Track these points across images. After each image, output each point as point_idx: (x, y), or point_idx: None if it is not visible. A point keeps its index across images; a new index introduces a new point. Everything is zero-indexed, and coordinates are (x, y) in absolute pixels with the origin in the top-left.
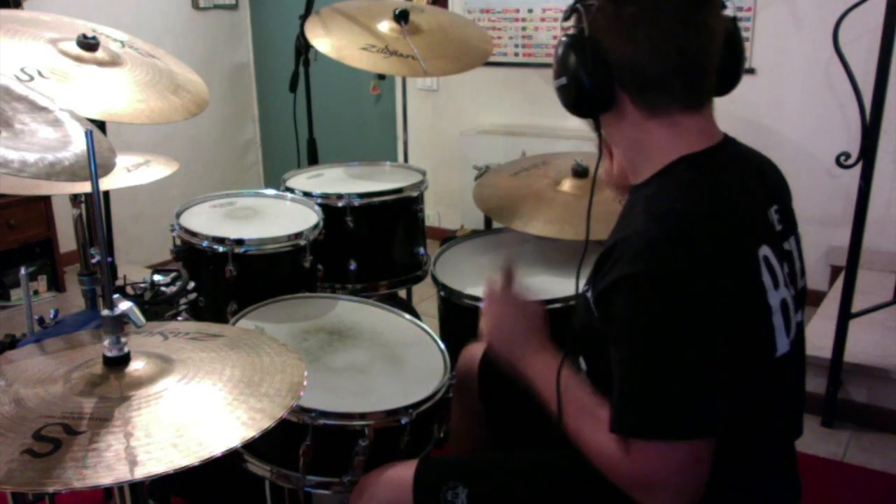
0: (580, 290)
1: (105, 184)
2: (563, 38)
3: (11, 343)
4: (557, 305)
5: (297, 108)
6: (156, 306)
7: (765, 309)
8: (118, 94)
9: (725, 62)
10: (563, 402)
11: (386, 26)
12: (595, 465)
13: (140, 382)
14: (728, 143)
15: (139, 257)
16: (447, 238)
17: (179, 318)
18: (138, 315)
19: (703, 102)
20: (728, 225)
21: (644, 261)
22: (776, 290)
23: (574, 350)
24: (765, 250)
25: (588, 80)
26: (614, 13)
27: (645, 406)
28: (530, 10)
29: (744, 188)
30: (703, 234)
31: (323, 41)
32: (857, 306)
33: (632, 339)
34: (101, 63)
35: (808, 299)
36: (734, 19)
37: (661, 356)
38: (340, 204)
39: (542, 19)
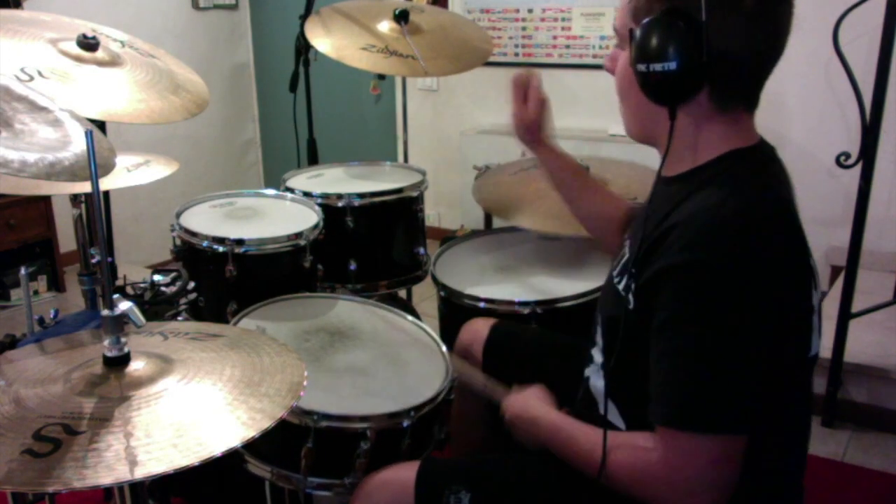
0: (610, 278)
1: (105, 184)
2: (668, 18)
3: (11, 343)
4: (557, 305)
5: (297, 108)
6: (156, 306)
7: (809, 309)
8: (118, 94)
9: None
10: (589, 448)
11: (386, 26)
12: (632, 488)
13: (140, 382)
14: (765, 142)
15: (139, 257)
16: (447, 238)
17: (179, 318)
18: (138, 315)
19: (758, 103)
20: (788, 222)
21: (700, 250)
22: (815, 291)
23: (591, 342)
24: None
25: (689, 68)
26: (734, 4)
27: (686, 397)
28: (530, 10)
29: (788, 184)
30: (764, 229)
31: (323, 41)
32: (857, 306)
33: (680, 329)
34: (101, 63)
35: None
36: None
37: (708, 348)
38: (340, 204)
39: (542, 19)
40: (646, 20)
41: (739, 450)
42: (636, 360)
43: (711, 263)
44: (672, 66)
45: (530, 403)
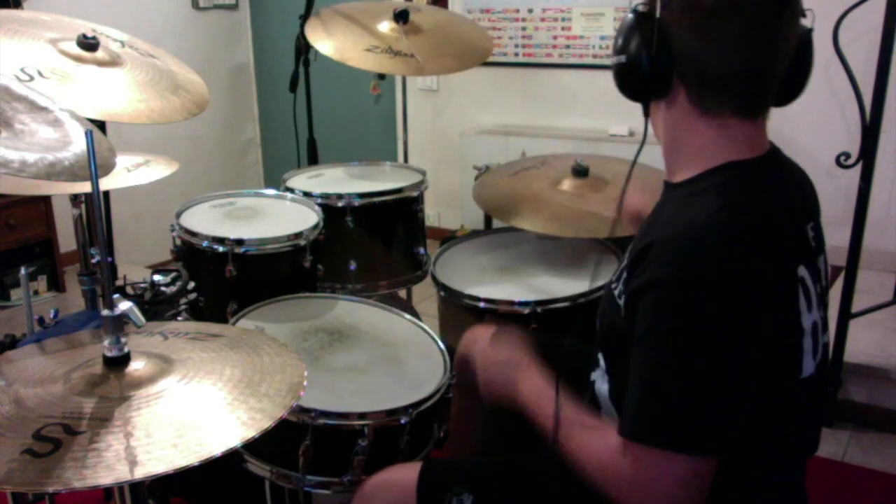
0: (609, 284)
1: (105, 184)
2: (631, 15)
3: (11, 343)
4: (557, 305)
5: (297, 108)
6: (156, 306)
7: (797, 331)
8: (118, 94)
9: (791, 73)
10: (561, 418)
11: (386, 26)
12: (593, 479)
13: (140, 382)
14: (774, 154)
15: (139, 257)
16: (447, 238)
17: (179, 318)
18: (138, 315)
19: (759, 111)
20: (770, 241)
21: (677, 267)
22: (809, 313)
23: (597, 346)
24: (802, 270)
25: (648, 64)
26: (691, 1)
27: (654, 413)
28: (530, 10)
29: (788, 204)
30: (743, 248)
31: (325, 43)
32: (857, 306)
33: (652, 344)
34: (101, 63)
35: None
36: (810, 30)
37: (678, 366)
38: (340, 204)
39: (542, 19)
40: (624, 23)
41: (710, 470)
42: None
43: (684, 281)
44: (622, 59)
45: (526, 360)
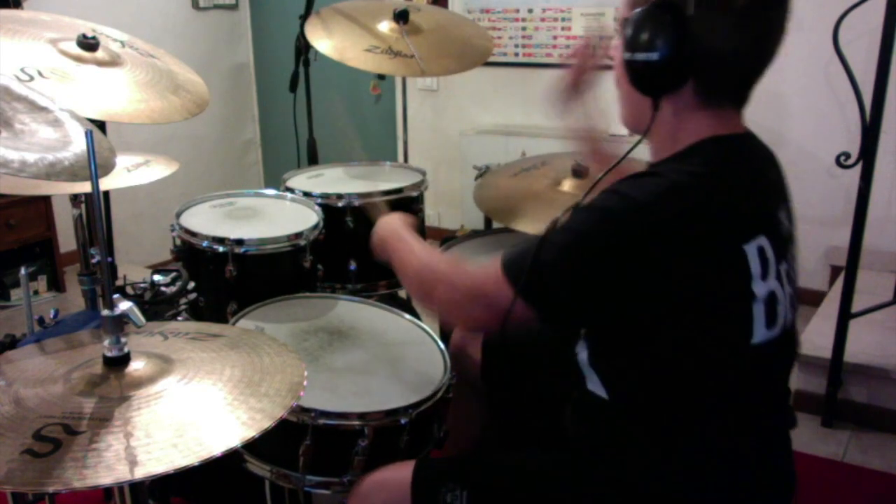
0: None
1: (105, 184)
2: (657, 10)
3: (11, 343)
4: None
5: (297, 108)
6: (156, 306)
7: (746, 296)
8: (118, 94)
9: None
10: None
11: (386, 26)
12: (428, 280)
13: (140, 382)
14: (751, 135)
15: (139, 257)
16: (447, 238)
17: (179, 318)
18: (138, 315)
19: (748, 99)
20: (719, 205)
21: (606, 196)
22: (764, 281)
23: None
24: (762, 241)
25: (671, 60)
26: (726, 0)
27: (520, 257)
28: (530, 10)
29: (756, 177)
30: (681, 205)
31: (324, 42)
32: (857, 306)
33: (558, 229)
34: (100, 63)
35: (807, 299)
36: None
37: (559, 238)
38: (340, 204)
39: (542, 19)
40: (636, 10)
41: (518, 311)
42: (613, 329)
43: (611, 206)
44: (654, 56)
45: (397, 223)
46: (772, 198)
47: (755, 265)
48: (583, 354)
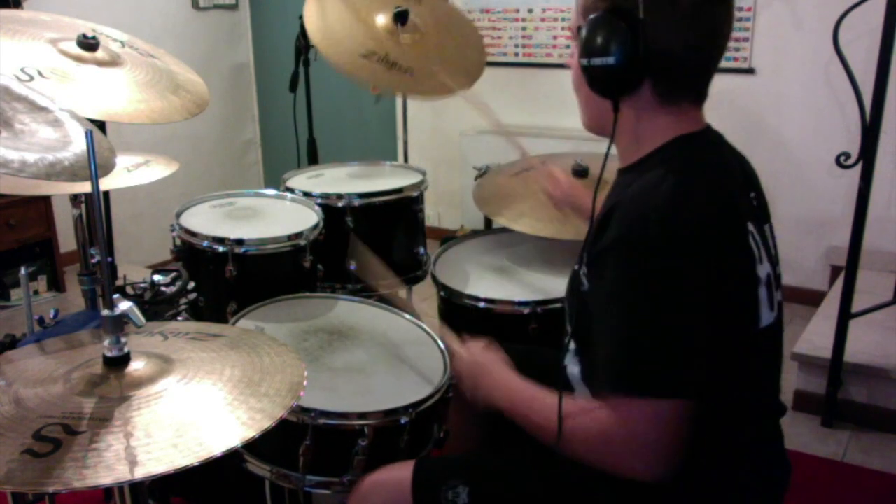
0: (574, 269)
1: (105, 184)
2: (610, 16)
3: (11, 343)
4: (557, 305)
5: (297, 108)
6: (156, 306)
7: (753, 280)
8: (118, 94)
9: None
10: (546, 418)
11: (382, 20)
12: (595, 457)
13: (140, 382)
14: (711, 129)
15: (139, 257)
16: (447, 238)
17: (179, 318)
18: (138, 315)
19: (705, 95)
20: (721, 196)
21: (636, 225)
22: (761, 264)
23: (565, 330)
24: (750, 226)
25: (628, 63)
26: (673, 1)
27: (626, 365)
28: (530, 10)
29: (729, 167)
30: (696, 206)
31: (317, 25)
32: (857, 306)
33: (619, 300)
34: (100, 63)
35: (807, 299)
36: None
37: (646, 317)
38: (340, 204)
39: (542, 19)
40: (590, 17)
41: (685, 415)
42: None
43: (645, 238)
44: (610, 60)
45: (491, 360)
46: (743, 184)
47: (755, 249)
48: (574, 369)
